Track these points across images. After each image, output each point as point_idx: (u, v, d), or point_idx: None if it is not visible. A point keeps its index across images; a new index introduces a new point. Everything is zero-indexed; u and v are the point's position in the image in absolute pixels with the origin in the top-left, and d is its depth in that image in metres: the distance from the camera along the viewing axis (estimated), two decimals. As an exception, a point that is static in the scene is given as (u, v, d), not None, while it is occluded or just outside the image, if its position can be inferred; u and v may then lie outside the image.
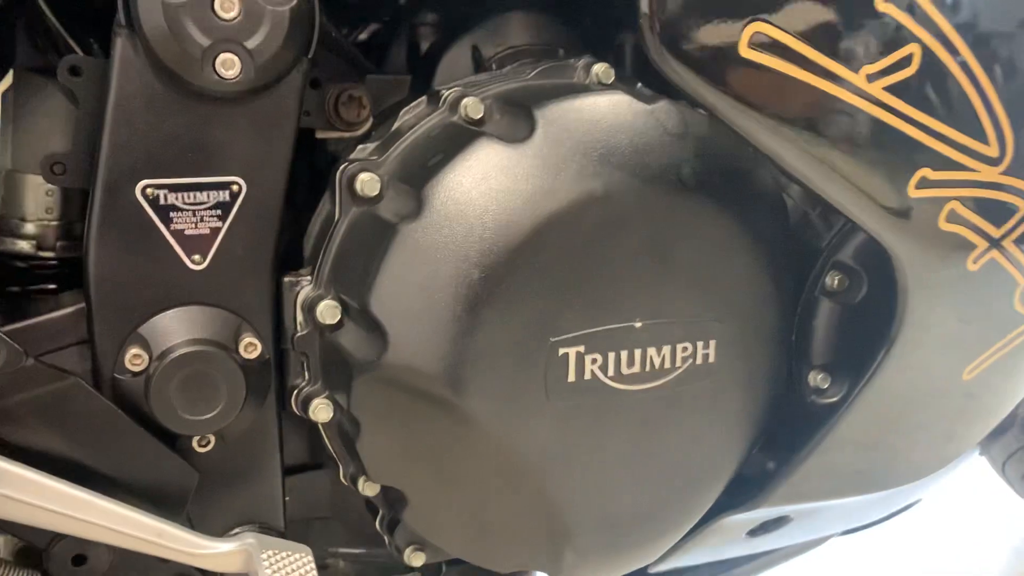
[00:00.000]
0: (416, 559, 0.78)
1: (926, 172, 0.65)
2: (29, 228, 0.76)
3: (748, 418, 0.76)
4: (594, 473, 0.72)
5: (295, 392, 0.71)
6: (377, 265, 0.65)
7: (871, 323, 0.75)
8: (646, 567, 0.87)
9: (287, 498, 0.81)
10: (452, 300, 0.64)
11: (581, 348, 0.67)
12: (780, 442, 0.80)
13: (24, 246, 0.76)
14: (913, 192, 0.66)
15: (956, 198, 0.67)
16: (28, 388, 0.63)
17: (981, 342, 0.76)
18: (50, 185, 0.74)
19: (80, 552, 0.69)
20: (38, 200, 0.76)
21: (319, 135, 0.75)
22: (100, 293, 0.66)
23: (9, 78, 0.77)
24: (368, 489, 0.74)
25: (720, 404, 0.74)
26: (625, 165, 0.66)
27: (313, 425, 0.74)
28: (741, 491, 0.81)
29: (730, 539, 0.86)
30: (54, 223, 0.76)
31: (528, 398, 0.67)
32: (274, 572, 0.65)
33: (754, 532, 0.88)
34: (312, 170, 0.77)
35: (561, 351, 0.67)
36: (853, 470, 0.80)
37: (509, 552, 0.77)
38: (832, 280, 0.76)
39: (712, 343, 0.72)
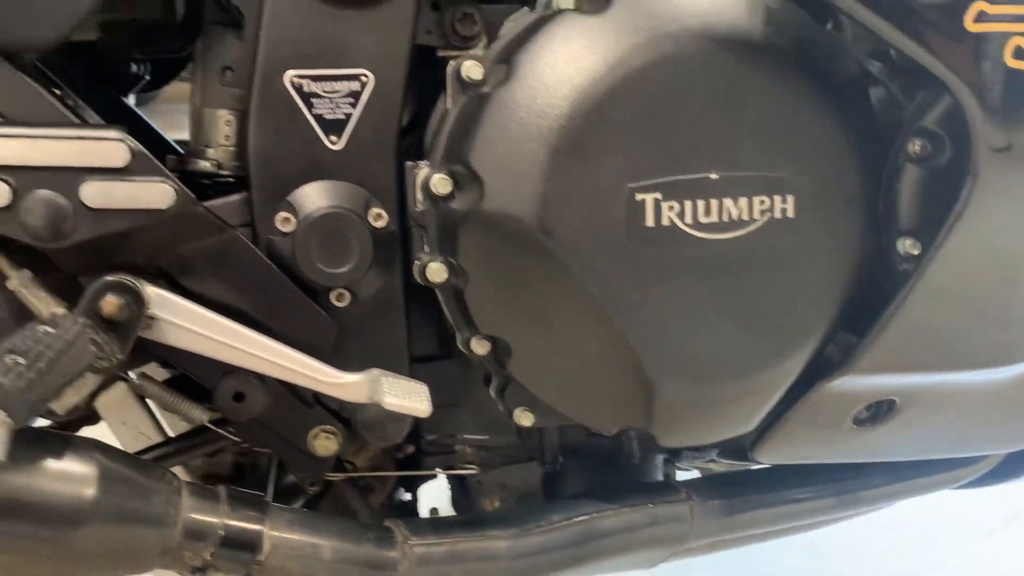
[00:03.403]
0: (525, 418, 0.85)
1: (983, 6, 0.68)
2: (211, 152, 0.94)
3: (834, 278, 0.80)
4: (679, 322, 0.78)
5: (416, 263, 0.83)
6: (475, 127, 0.75)
7: (956, 186, 0.77)
8: (752, 450, 0.90)
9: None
10: (536, 149, 0.73)
11: (658, 195, 0.74)
12: (875, 313, 0.82)
13: (207, 166, 0.94)
14: (971, 27, 0.69)
15: (1020, 33, 0.69)
16: (198, 235, 0.78)
17: (1075, 198, 0.76)
18: (229, 117, 0.91)
19: (240, 391, 0.82)
20: (219, 129, 0.93)
21: (440, 53, 0.88)
22: (257, 166, 0.82)
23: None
24: (479, 347, 0.83)
25: (805, 261, 0.78)
26: (694, 29, 0.74)
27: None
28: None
29: (835, 423, 0.87)
30: (231, 148, 0.93)
31: (610, 240, 0.75)
32: (394, 394, 0.76)
33: (861, 421, 0.89)
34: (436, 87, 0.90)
35: (638, 196, 0.74)
36: (941, 336, 0.80)
37: (607, 407, 0.83)
38: (914, 145, 0.79)
39: (791, 199, 0.76)
